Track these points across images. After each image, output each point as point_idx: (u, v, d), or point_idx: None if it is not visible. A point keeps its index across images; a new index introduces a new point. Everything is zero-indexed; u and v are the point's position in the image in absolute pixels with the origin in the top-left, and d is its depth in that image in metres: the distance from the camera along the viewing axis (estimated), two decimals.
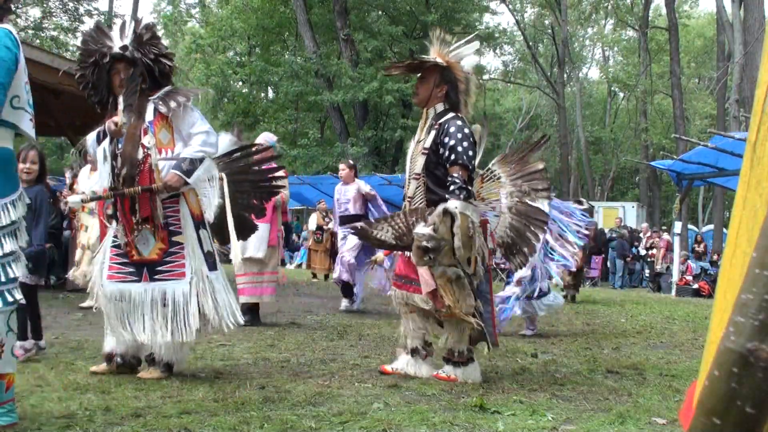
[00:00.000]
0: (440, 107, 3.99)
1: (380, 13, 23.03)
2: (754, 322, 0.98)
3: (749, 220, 1.09)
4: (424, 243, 3.63)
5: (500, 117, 38.93)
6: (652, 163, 18.28)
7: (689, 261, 15.54)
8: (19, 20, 21.65)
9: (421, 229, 3.66)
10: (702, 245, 17.30)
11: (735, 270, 1.10)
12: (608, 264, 16.78)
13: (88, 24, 23.83)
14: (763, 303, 0.97)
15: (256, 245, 6.02)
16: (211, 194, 3.80)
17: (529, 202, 4.20)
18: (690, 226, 22.02)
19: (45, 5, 21.96)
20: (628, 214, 20.49)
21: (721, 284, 1.19)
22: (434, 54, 3.97)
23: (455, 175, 3.76)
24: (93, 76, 3.76)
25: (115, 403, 3.08)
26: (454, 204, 3.67)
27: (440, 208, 3.67)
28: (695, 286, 13.60)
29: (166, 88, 3.82)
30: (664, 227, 20.20)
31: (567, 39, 30.00)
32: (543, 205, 4.29)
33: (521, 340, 5.85)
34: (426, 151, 3.90)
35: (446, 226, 3.64)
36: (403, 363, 4.03)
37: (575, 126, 32.87)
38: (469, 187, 3.82)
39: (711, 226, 22.64)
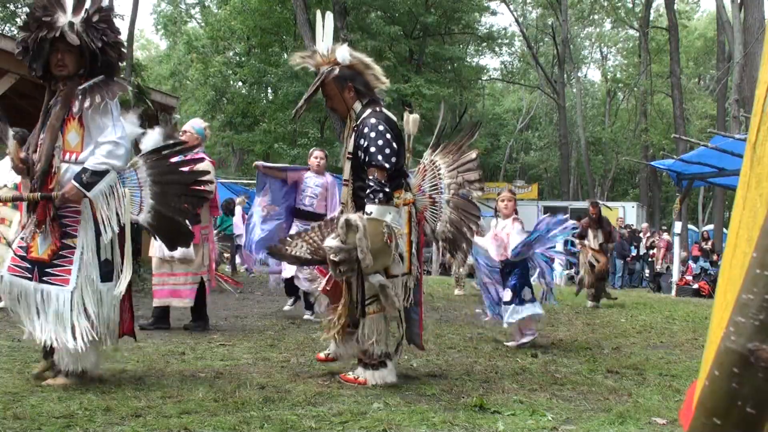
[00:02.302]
0: (358, 106, 3.82)
1: (379, 13, 23.02)
2: (755, 323, 0.98)
3: (749, 220, 1.09)
4: (332, 256, 3.49)
5: (500, 117, 38.96)
6: (652, 163, 18.29)
7: (689, 261, 15.55)
8: (19, 20, 21.65)
9: (329, 242, 3.53)
10: (710, 242, 17.18)
11: (735, 270, 1.10)
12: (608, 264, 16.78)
13: None
14: (763, 303, 0.97)
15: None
16: (119, 207, 3.50)
17: (463, 195, 4.07)
18: (690, 226, 22.04)
19: None
20: (628, 214, 20.50)
21: (721, 284, 1.19)
22: (317, 64, 3.83)
23: (371, 177, 3.62)
24: (33, 46, 3.41)
25: (115, 403, 3.08)
26: (369, 209, 3.54)
27: (342, 219, 3.52)
28: (695, 286, 13.61)
29: (94, 80, 3.46)
30: (664, 227, 20.20)
31: (567, 39, 30.01)
32: (475, 197, 4.17)
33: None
34: (350, 156, 3.78)
35: (354, 236, 3.49)
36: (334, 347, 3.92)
37: (575, 126, 32.88)
38: (386, 189, 3.63)
39: (711, 226, 22.66)
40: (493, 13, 30.94)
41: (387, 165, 3.63)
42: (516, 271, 5.51)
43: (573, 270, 16.21)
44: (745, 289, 1.00)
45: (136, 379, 3.64)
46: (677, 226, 14.12)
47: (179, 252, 5.24)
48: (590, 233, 9.51)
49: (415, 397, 3.51)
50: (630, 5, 32.71)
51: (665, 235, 16.80)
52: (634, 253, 17.02)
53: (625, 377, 4.26)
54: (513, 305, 5.39)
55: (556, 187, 35.60)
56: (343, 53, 3.79)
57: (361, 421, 2.95)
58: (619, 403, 3.51)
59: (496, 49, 32.58)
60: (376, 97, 3.88)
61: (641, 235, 17.89)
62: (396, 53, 22.68)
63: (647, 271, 17.05)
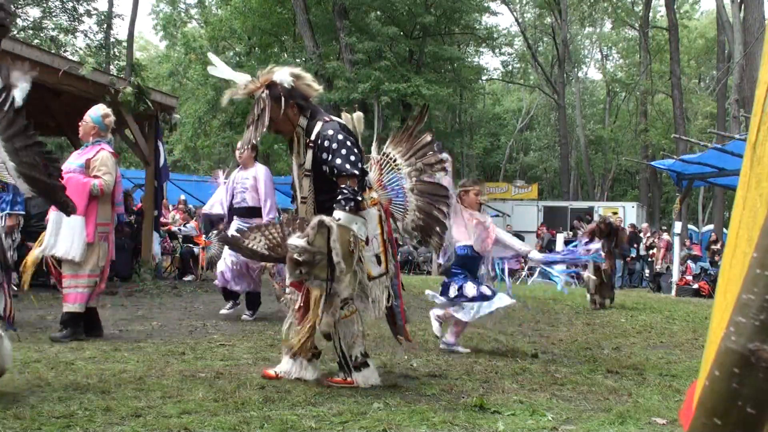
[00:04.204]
0: (304, 122, 3.72)
1: (378, 13, 23.03)
2: (755, 323, 0.98)
3: (749, 220, 1.09)
4: (296, 255, 3.40)
5: (500, 117, 38.97)
6: (652, 163, 18.29)
7: (688, 261, 15.54)
8: (18, 20, 21.65)
9: (295, 240, 3.42)
10: (719, 243, 17.01)
11: (735, 270, 1.10)
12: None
13: (88, 24, 23.85)
14: (764, 303, 0.97)
15: (67, 244, 4.87)
16: None
17: (427, 179, 3.99)
18: (690, 226, 22.04)
19: (45, 5, 21.95)
20: (628, 214, 20.50)
21: (721, 284, 1.19)
22: (250, 92, 3.68)
23: (343, 186, 3.53)
24: None
25: (115, 403, 3.08)
26: (338, 215, 3.46)
27: (315, 219, 3.43)
28: (695, 286, 13.60)
29: None
30: (664, 227, 20.20)
31: (567, 39, 30.01)
32: (441, 178, 4.07)
33: (521, 340, 5.84)
34: (309, 173, 3.68)
35: (323, 239, 3.40)
36: (288, 365, 3.82)
37: (575, 126, 32.89)
38: (359, 198, 3.55)
39: (711, 226, 22.65)
40: (493, 13, 30.90)
41: (356, 171, 3.57)
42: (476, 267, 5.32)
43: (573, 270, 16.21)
44: (746, 289, 1.00)
45: (136, 379, 3.64)
46: (677, 226, 14.12)
47: (75, 253, 4.86)
48: (599, 242, 9.47)
49: (415, 397, 3.51)
50: (630, 5, 32.71)
51: (665, 235, 16.79)
52: (634, 253, 17.00)
53: (625, 377, 4.27)
54: (480, 301, 5.11)
55: (556, 187, 35.60)
56: (282, 75, 3.67)
57: (361, 421, 2.95)
58: (619, 403, 3.51)
59: (496, 49, 32.60)
60: (314, 106, 3.79)
61: (641, 235, 17.88)
62: (395, 53, 22.67)
63: (647, 271, 17.04)
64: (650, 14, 30.98)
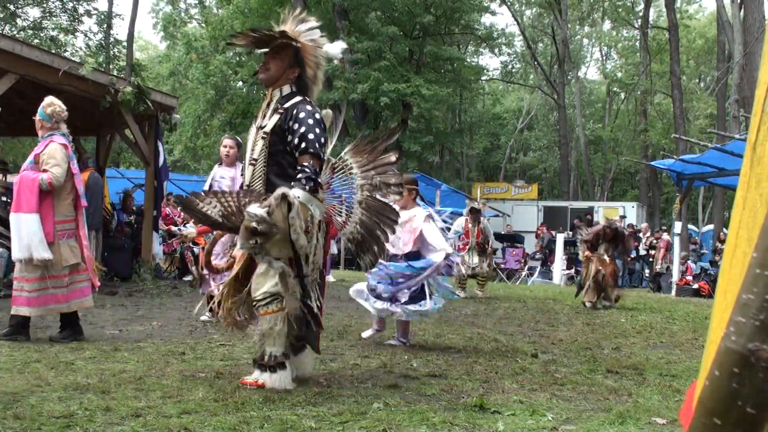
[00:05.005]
0: (287, 89, 3.67)
1: (378, 13, 23.03)
2: (755, 323, 0.98)
3: (749, 220, 1.09)
4: (254, 224, 3.28)
5: (500, 117, 38.97)
6: (652, 163, 18.29)
7: (689, 261, 15.55)
8: (18, 20, 21.64)
9: (255, 208, 3.30)
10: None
11: (735, 270, 1.10)
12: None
13: (88, 24, 23.82)
14: (764, 303, 0.97)
15: (24, 244, 4.68)
16: None
17: (380, 198, 3.85)
18: (690, 227, 22.04)
19: (45, 5, 21.93)
20: (628, 214, 20.49)
21: (721, 284, 1.19)
22: (288, 32, 3.60)
23: (305, 164, 3.46)
24: None
25: (115, 403, 3.08)
26: (297, 192, 3.36)
27: (280, 190, 3.32)
28: (695, 286, 13.60)
29: None
30: (664, 227, 20.22)
31: (567, 39, 30.01)
32: (394, 202, 3.96)
33: (521, 340, 5.84)
34: (266, 136, 3.59)
35: (282, 213, 3.30)
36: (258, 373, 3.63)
37: (575, 125, 32.89)
38: (318, 179, 3.50)
39: (711, 226, 22.65)
40: (493, 13, 30.92)
41: (322, 155, 3.51)
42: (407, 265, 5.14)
43: (573, 270, 16.23)
44: (746, 289, 1.00)
45: (136, 379, 3.64)
46: (677, 226, 14.12)
47: (22, 253, 4.67)
48: (602, 245, 9.45)
49: (415, 397, 3.51)
50: (630, 5, 32.71)
51: (665, 235, 16.80)
52: (634, 253, 17.02)
53: (625, 377, 4.27)
54: (388, 302, 5.06)
55: (556, 187, 35.61)
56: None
57: (361, 421, 2.95)
58: (619, 403, 3.51)
59: (495, 49, 32.60)
60: (308, 89, 3.73)
61: (641, 235, 17.89)
62: (395, 53, 22.68)
63: (647, 271, 17.05)
64: (650, 14, 30.97)
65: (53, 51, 13.76)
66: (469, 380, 3.98)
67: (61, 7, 22.04)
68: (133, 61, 19.39)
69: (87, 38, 22.57)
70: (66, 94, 8.99)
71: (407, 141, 22.75)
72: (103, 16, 22.01)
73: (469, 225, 10.21)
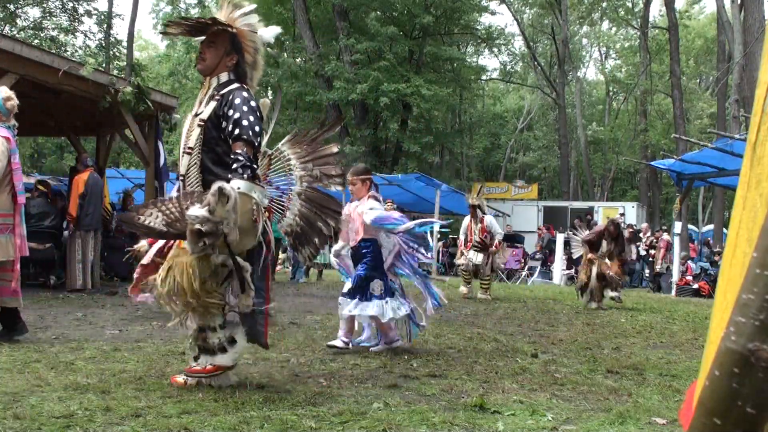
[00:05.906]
0: (225, 77, 3.60)
1: (378, 13, 23.04)
2: (755, 323, 0.98)
3: (749, 220, 1.09)
4: (197, 226, 3.18)
5: (500, 117, 38.97)
6: (652, 163, 18.29)
7: (689, 261, 15.55)
8: (18, 20, 21.64)
9: (195, 210, 3.19)
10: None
11: (735, 270, 1.10)
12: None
13: (88, 24, 23.77)
14: (764, 303, 0.97)
15: None
16: None
17: (321, 189, 3.80)
18: (690, 227, 22.04)
19: (45, 5, 21.92)
20: (629, 214, 20.49)
21: (721, 284, 1.19)
22: (223, 18, 3.54)
23: (239, 151, 3.36)
24: None
25: (115, 403, 3.08)
26: (237, 183, 3.27)
27: (215, 186, 3.20)
28: (695, 286, 13.61)
29: None
30: (664, 227, 20.22)
31: (567, 39, 30.01)
32: (335, 191, 3.90)
33: (521, 340, 5.84)
34: (202, 123, 3.51)
35: (223, 208, 3.20)
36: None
37: (575, 125, 32.89)
38: (255, 166, 3.41)
39: (711, 226, 22.65)
40: (493, 13, 30.90)
41: (256, 142, 3.44)
42: (366, 260, 5.00)
43: (573, 270, 16.22)
44: (745, 289, 1.00)
45: (136, 379, 3.64)
46: (677, 226, 14.13)
47: None
48: (604, 244, 9.44)
49: (415, 397, 3.51)
50: (629, 5, 32.72)
51: (665, 235, 16.80)
52: (634, 254, 17.02)
53: (625, 377, 4.27)
54: (357, 299, 4.88)
55: (556, 187, 35.61)
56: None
57: (361, 421, 2.95)
58: (619, 403, 3.51)
59: (495, 49, 32.60)
60: (246, 78, 3.66)
61: (641, 235, 17.89)
62: (395, 53, 22.69)
63: (647, 271, 17.05)
64: (650, 14, 30.98)
65: (53, 51, 13.76)
66: (469, 380, 3.98)
67: (61, 7, 22.04)
68: (133, 61, 19.36)
69: (87, 38, 22.59)
70: (66, 94, 9.01)
71: (407, 141, 22.76)
72: (103, 16, 22.01)
73: (471, 224, 10.17)
